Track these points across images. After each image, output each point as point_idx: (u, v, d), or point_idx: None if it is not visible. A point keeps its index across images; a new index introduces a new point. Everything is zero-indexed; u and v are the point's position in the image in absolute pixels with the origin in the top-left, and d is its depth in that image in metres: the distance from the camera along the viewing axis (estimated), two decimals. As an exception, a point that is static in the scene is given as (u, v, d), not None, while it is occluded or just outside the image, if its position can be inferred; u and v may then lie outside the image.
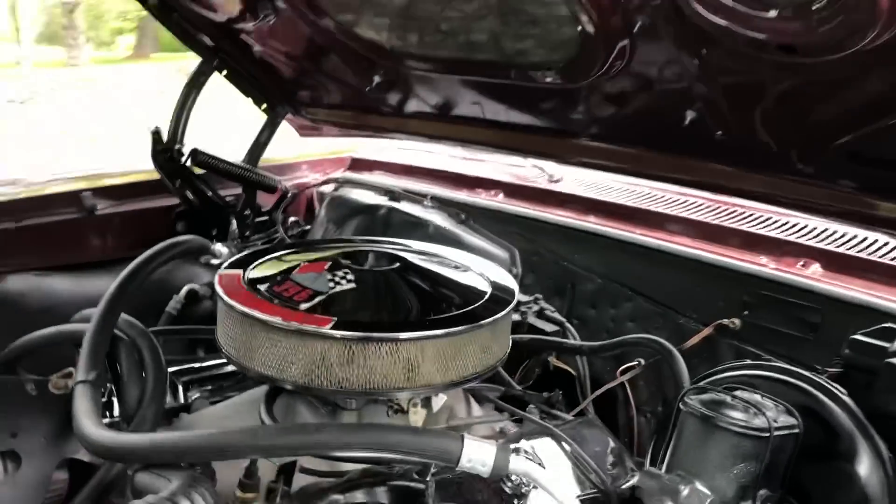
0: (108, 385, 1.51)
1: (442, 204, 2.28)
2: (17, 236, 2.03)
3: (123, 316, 1.54)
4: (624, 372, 1.74)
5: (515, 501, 1.42)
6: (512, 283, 1.60)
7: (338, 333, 1.29)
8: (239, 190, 2.41)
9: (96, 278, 2.05)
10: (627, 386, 1.74)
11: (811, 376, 1.33)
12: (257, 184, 2.38)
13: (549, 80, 1.62)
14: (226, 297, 1.40)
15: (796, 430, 1.22)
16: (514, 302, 1.51)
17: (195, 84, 2.25)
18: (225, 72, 2.29)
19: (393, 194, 2.35)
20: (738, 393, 1.26)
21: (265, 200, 2.48)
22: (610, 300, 1.94)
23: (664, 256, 1.85)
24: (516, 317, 1.81)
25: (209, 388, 1.74)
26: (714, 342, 1.73)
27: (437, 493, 1.18)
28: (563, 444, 1.50)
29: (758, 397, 1.26)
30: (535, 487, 1.44)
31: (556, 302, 2.01)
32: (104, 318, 1.49)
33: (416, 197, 2.32)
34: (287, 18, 2.00)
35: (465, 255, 1.73)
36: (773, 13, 1.11)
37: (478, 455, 1.10)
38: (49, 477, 1.33)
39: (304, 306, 1.38)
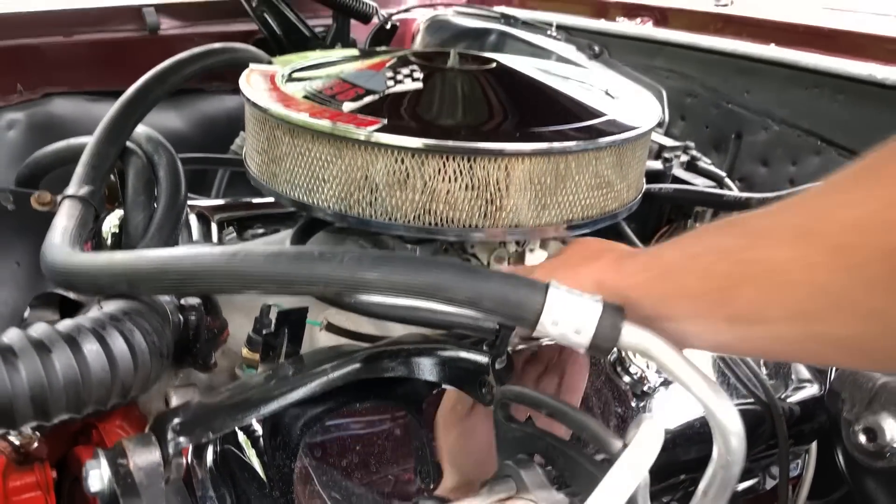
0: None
1: (570, 36, 1.79)
2: (67, 52, 1.74)
3: (142, 127, 1.21)
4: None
5: (633, 403, 1.00)
6: (653, 105, 1.14)
7: (386, 138, 0.89)
8: (329, 20, 2.02)
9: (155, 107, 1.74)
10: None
11: None
12: (349, 9, 1.97)
13: None
14: (246, 90, 1.03)
15: None
16: (654, 124, 1.05)
17: None
18: None
19: (507, 18, 1.88)
20: None
21: (361, 34, 2.08)
22: (789, 153, 1.42)
23: (880, 91, 1.30)
24: (657, 165, 1.34)
25: (259, 229, 1.38)
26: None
27: (502, 373, 0.77)
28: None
29: None
30: (662, 384, 1.02)
31: (713, 157, 1.51)
32: (113, 125, 1.15)
33: (538, 25, 1.84)
34: None
35: (598, 72, 1.27)
36: None
37: (569, 315, 0.67)
38: (20, 312, 1.02)
39: (348, 106, 0.98)
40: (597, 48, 1.73)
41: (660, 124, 1.59)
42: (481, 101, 1.03)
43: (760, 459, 1.08)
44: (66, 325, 0.63)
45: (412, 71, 1.06)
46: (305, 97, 1.02)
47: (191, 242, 1.26)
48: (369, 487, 0.81)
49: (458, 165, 0.89)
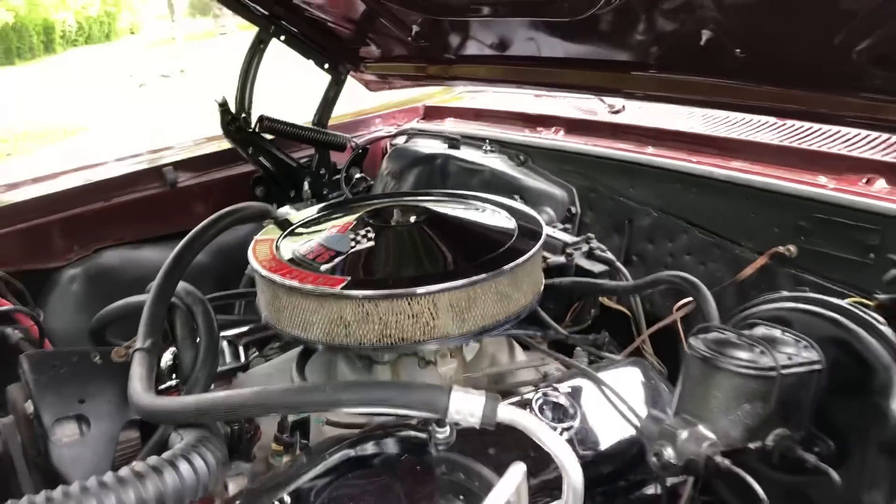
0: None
1: (502, 147, 2.26)
2: (108, 213, 2.22)
3: (181, 284, 1.66)
4: (681, 308, 1.68)
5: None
6: (540, 229, 1.57)
7: (350, 292, 1.33)
8: (312, 151, 2.50)
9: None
10: (679, 323, 1.68)
11: (847, 306, 1.23)
12: (326, 143, 2.45)
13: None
14: (254, 263, 1.48)
15: (817, 366, 1.15)
16: (532, 252, 1.47)
17: (256, 52, 2.32)
18: (283, 37, 2.35)
19: (452, 142, 2.35)
20: (752, 331, 1.19)
21: (341, 158, 2.55)
22: (666, 234, 1.86)
23: (716, 184, 1.75)
24: (561, 259, 1.78)
25: (276, 346, 1.84)
26: (771, 271, 1.63)
27: (457, 442, 1.21)
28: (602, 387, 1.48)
29: (776, 333, 1.19)
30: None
31: (615, 239, 1.95)
32: (160, 289, 1.60)
33: (475, 143, 2.31)
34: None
35: (508, 202, 1.72)
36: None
37: (465, 406, 1.11)
38: (116, 436, 1.47)
39: (323, 268, 1.43)
40: (522, 157, 2.19)
41: (574, 215, 2.04)
42: (417, 250, 1.48)
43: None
44: (167, 454, 1.07)
45: (367, 232, 1.51)
46: (295, 263, 1.47)
47: (226, 365, 1.72)
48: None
49: (401, 305, 1.34)
